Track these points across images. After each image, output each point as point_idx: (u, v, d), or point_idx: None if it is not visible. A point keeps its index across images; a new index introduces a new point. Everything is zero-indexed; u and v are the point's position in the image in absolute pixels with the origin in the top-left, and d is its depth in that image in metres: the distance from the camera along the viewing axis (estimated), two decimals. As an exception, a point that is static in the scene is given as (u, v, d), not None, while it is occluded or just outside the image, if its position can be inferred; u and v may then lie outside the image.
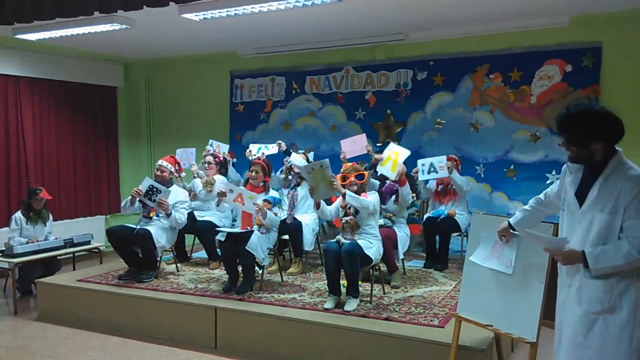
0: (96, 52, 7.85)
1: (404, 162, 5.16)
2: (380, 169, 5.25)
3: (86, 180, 8.01)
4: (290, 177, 5.85)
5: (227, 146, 6.66)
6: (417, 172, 5.61)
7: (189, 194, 6.10)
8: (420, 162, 5.62)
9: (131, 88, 8.62)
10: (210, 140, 6.51)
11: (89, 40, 6.85)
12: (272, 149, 6.08)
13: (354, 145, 5.80)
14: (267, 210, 4.85)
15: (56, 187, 7.51)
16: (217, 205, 5.15)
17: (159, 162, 5.52)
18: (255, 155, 5.97)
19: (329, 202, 4.72)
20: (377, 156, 5.37)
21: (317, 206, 4.47)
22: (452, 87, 6.52)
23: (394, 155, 5.20)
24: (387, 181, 5.31)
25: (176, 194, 5.41)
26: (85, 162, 7.99)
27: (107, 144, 8.35)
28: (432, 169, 5.51)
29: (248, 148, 6.23)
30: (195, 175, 6.25)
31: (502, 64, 6.23)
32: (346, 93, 7.15)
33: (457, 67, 6.47)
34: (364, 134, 5.97)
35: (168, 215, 5.22)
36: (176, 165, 5.63)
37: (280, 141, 6.05)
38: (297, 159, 5.70)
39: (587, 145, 2.48)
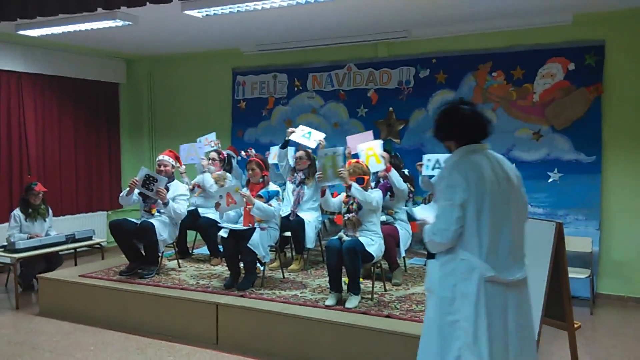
0: (99, 48, 7.85)
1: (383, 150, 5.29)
2: (371, 169, 5.23)
3: (88, 176, 8.02)
4: (296, 174, 5.81)
5: (214, 133, 6.54)
6: (421, 167, 5.61)
7: (193, 189, 6.10)
8: (425, 157, 5.61)
9: (133, 84, 8.62)
10: (197, 139, 6.48)
11: (91, 37, 6.85)
12: (312, 142, 5.64)
13: (360, 141, 5.76)
14: (256, 200, 4.86)
15: (58, 182, 7.53)
16: (221, 219, 5.19)
17: (160, 157, 5.53)
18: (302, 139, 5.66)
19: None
20: (380, 174, 5.41)
21: (322, 193, 4.52)
22: (455, 85, 6.51)
23: (370, 151, 5.28)
24: (381, 179, 5.35)
25: (177, 187, 5.44)
26: (87, 158, 8.00)
27: (109, 140, 8.36)
28: (437, 165, 5.52)
29: (297, 127, 5.80)
30: (206, 169, 6.18)
31: (505, 61, 6.22)
32: (348, 90, 7.14)
33: (460, 65, 6.46)
34: (370, 131, 5.94)
35: (165, 204, 5.23)
36: (176, 159, 5.63)
37: (322, 139, 5.68)
38: (298, 138, 5.63)
39: (443, 142, 2.79)
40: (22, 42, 6.91)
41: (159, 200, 5.24)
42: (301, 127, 5.79)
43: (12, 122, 6.98)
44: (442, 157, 5.53)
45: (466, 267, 2.56)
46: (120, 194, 5.38)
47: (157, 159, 5.57)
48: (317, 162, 5.32)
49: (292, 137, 5.66)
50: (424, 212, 2.93)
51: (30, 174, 7.08)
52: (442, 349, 2.61)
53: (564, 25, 5.88)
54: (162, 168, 5.44)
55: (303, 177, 5.74)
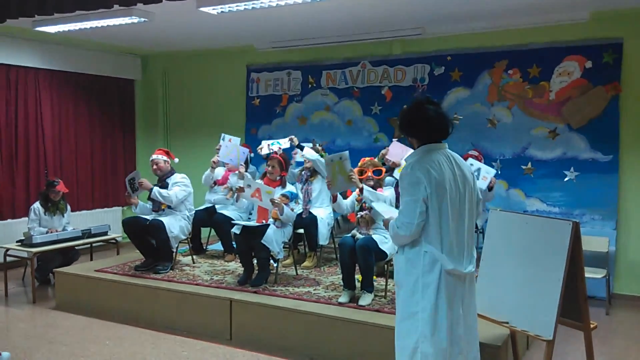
0: (114, 44, 7.91)
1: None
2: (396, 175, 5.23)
3: (103, 172, 8.09)
4: (303, 172, 5.84)
5: (239, 139, 6.58)
6: None
7: (231, 191, 5.99)
8: (469, 160, 5.58)
9: (149, 81, 8.68)
10: (222, 134, 6.48)
11: (107, 33, 6.91)
12: (284, 143, 6.03)
13: (400, 151, 5.54)
14: (284, 206, 4.87)
15: (74, 178, 7.60)
16: (237, 201, 5.18)
17: (151, 157, 5.63)
18: (269, 151, 5.92)
19: (344, 196, 4.72)
20: (383, 151, 5.45)
21: (334, 199, 4.46)
22: (470, 83, 6.46)
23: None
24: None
25: (174, 178, 5.56)
26: (102, 154, 8.07)
27: (125, 137, 8.43)
28: (475, 173, 5.46)
29: (260, 145, 6.17)
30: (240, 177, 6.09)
31: (521, 59, 6.16)
32: (362, 88, 7.12)
33: (475, 63, 6.41)
34: (395, 141, 5.83)
35: (150, 190, 5.31)
36: (167, 154, 5.68)
37: (292, 136, 6.04)
38: (309, 153, 5.71)
39: (407, 138, 2.99)
40: (40, 39, 6.98)
41: (152, 192, 5.32)
42: (263, 141, 6.17)
43: (29, 118, 7.06)
44: (484, 168, 5.48)
45: (429, 259, 2.77)
46: (133, 210, 5.56)
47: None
48: (320, 174, 5.52)
49: (263, 153, 5.94)
50: (384, 208, 3.29)
51: (47, 172, 7.16)
52: (402, 339, 2.83)
53: (581, 22, 5.81)
54: (154, 167, 5.55)
55: (309, 174, 5.78)
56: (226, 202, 6.10)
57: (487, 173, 5.40)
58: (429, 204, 2.74)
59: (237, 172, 5.92)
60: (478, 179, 5.40)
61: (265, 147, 6.05)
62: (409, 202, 2.78)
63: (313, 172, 5.77)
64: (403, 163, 5.19)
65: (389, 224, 2.95)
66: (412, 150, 2.92)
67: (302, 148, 5.87)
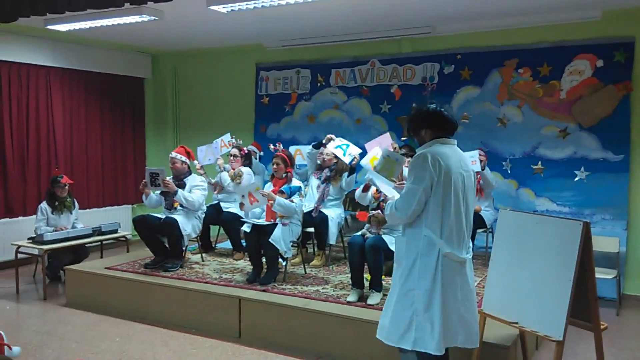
0: (125, 43, 7.95)
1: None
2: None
3: (114, 170, 8.14)
4: (322, 171, 5.75)
5: (228, 134, 6.41)
6: None
7: (215, 188, 6.20)
8: None
9: (158, 79, 8.71)
10: (214, 140, 6.42)
11: (118, 32, 6.94)
12: (347, 158, 5.44)
13: (380, 146, 5.59)
14: (277, 197, 4.90)
15: (84, 176, 7.65)
16: (246, 216, 5.25)
17: (170, 154, 5.63)
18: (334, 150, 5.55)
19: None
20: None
21: (366, 189, 4.54)
22: (480, 82, 6.44)
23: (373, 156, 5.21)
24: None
25: (193, 179, 5.55)
26: (112, 152, 8.12)
27: (135, 135, 8.47)
28: None
29: (328, 141, 5.59)
30: (222, 169, 6.29)
31: (532, 58, 6.13)
32: (371, 86, 7.11)
33: (485, 61, 6.38)
34: (387, 133, 5.79)
35: (175, 193, 5.30)
36: (187, 154, 5.68)
37: (357, 155, 5.45)
38: (332, 147, 5.53)
39: (419, 131, 3.18)
40: (51, 37, 7.03)
41: (177, 194, 5.31)
42: (340, 139, 5.66)
43: (40, 116, 7.11)
44: (468, 153, 5.47)
45: (427, 243, 3.00)
46: (143, 199, 5.56)
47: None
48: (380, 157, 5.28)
49: (328, 146, 5.54)
50: (387, 188, 3.49)
51: (58, 167, 7.20)
52: (398, 313, 3.07)
53: (592, 21, 5.77)
54: (171, 165, 5.56)
55: (329, 174, 5.72)
56: (230, 198, 6.14)
57: (472, 157, 5.40)
58: (434, 191, 2.97)
59: (222, 167, 6.26)
60: None
61: (335, 142, 5.54)
62: (411, 188, 3.01)
63: (335, 175, 5.68)
64: (372, 155, 5.13)
65: (387, 203, 3.24)
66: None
67: (320, 146, 5.68)
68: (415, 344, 3.00)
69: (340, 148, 5.51)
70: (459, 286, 3.03)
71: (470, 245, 3.18)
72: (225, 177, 6.15)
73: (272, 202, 4.89)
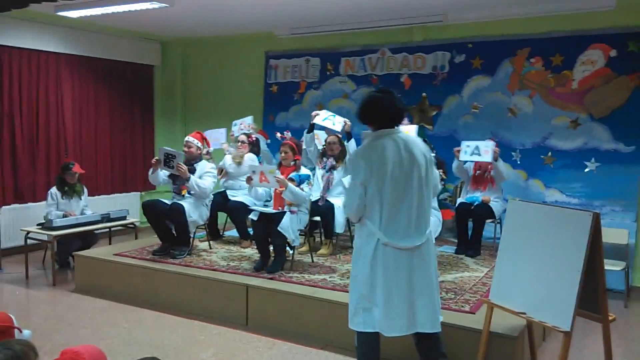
0: (135, 30, 7.94)
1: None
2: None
3: (122, 157, 8.17)
4: (325, 159, 5.78)
5: (251, 117, 6.61)
6: (458, 152, 5.56)
7: (221, 172, 6.21)
8: (465, 143, 5.58)
9: (168, 66, 8.70)
10: (234, 122, 6.53)
11: (128, 19, 6.93)
12: (338, 125, 5.51)
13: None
14: (289, 184, 4.88)
15: (93, 162, 7.68)
16: (250, 192, 5.23)
17: (186, 138, 5.62)
18: (321, 122, 5.60)
19: None
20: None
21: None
22: (491, 71, 6.38)
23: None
24: None
25: (203, 166, 5.54)
26: (122, 139, 8.14)
27: (144, 122, 8.48)
28: (475, 152, 5.46)
29: (317, 112, 5.68)
30: (227, 152, 6.35)
31: (544, 47, 6.06)
32: (381, 75, 7.07)
33: (497, 50, 6.32)
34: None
35: (187, 179, 5.30)
36: (203, 140, 5.68)
37: (347, 120, 5.58)
38: (321, 120, 5.56)
39: (366, 125, 3.31)
40: (61, 24, 7.03)
41: (189, 181, 5.31)
42: (324, 111, 5.74)
43: (50, 102, 7.13)
44: (482, 143, 5.47)
45: (367, 232, 3.16)
46: (149, 173, 5.51)
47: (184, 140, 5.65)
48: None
49: (316, 120, 5.59)
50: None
51: (67, 155, 7.23)
52: (350, 294, 3.28)
53: (606, 10, 5.68)
54: (186, 149, 5.53)
55: (334, 162, 5.71)
56: (235, 186, 6.16)
57: (487, 146, 5.42)
58: (369, 184, 3.10)
59: (227, 150, 6.39)
60: (480, 154, 5.42)
61: (321, 114, 5.61)
62: (351, 184, 3.23)
63: (337, 160, 5.70)
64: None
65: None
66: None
67: (350, 137, 5.63)
68: (363, 326, 3.18)
69: (328, 119, 5.57)
70: (405, 272, 3.11)
71: (425, 230, 3.21)
72: (228, 159, 6.24)
73: (283, 188, 4.87)
